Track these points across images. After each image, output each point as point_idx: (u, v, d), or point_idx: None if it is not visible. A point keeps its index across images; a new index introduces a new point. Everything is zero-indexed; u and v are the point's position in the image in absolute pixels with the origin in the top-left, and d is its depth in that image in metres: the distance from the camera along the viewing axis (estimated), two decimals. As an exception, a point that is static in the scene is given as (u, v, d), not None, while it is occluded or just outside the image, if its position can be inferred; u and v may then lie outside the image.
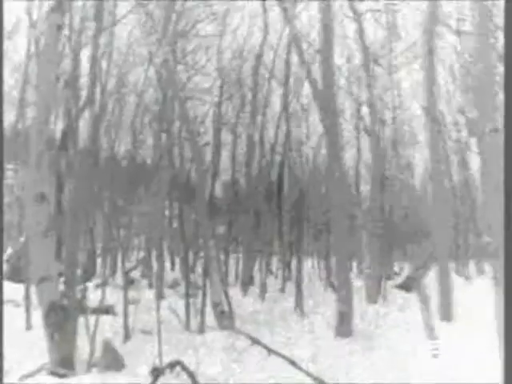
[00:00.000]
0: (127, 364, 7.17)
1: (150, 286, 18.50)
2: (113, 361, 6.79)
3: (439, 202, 13.07)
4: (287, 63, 18.78)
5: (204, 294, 11.08)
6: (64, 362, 7.41)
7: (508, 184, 4.52)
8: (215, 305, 10.91)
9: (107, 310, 12.17)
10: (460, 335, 10.33)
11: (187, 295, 11.51)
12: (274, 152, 20.31)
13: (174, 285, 18.99)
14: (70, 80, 11.31)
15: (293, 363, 6.61)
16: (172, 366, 5.94)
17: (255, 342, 6.88)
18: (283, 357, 6.74)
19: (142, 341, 9.52)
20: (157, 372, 5.63)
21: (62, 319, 7.72)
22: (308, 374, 6.45)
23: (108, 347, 7.06)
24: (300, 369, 6.51)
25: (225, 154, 23.38)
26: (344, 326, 10.40)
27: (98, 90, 15.43)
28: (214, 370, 7.17)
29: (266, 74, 20.15)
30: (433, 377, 7.99)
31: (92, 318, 10.35)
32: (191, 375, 5.93)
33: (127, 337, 9.91)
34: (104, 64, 16.70)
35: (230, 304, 11.12)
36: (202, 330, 10.63)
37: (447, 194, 13.94)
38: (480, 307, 13.51)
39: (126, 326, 10.08)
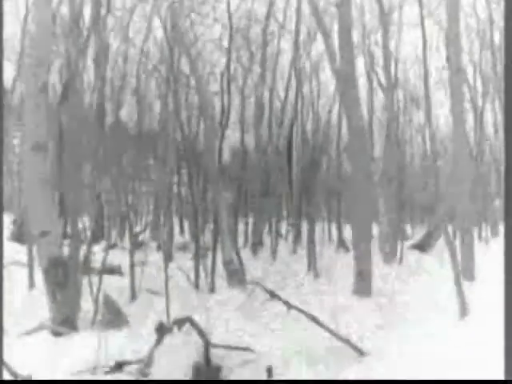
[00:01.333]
0: (132, 323, 6.49)
1: (159, 248, 17.89)
2: (115, 319, 6.11)
3: (459, 164, 12.12)
4: (298, 16, 17.60)
5: (214, 254, 10.37)
6: (65, 321, 6.81)
7: (508, 183, 4.12)
8: (226, 263, 10.21)
9: (113, 270, 11.62)
10: (484, 295, 9.63)
11: (197, 255, 10.83)
12: (284, 112, 19.28)
13: (182, 247, 18.42)
14: (70, 27, 10.42)
15: (313, 319, 5.88)
16: (180, 322, 5.21)
17: (273, 295, 6.16)
18: (304, 313, 6.01)
19: (149, 301, 8.86)
20: (163, 329, 4.89)
21: (62, 276, 7.12)
22: (329, 331, 5.74)
23: (110, 305, 6.37)
24: (321, 325, 5.79)
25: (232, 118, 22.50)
26: (363, 285, 9.68)
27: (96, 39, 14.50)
28: (225, 329, 6.49)
29: (276, 31, 19.01)
30: (456, 337, 7.34)
31: (97, 279, 9.85)
32: (201, 333, 5.22)
33: (133, 297, 9.26)
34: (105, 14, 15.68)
35: (241, 262, 10.44)
36: (212, 289, 9.97)
37: (466, 155, 12.86)
38: (499, 268, 12.81)
39: (132, 286, 9.43)
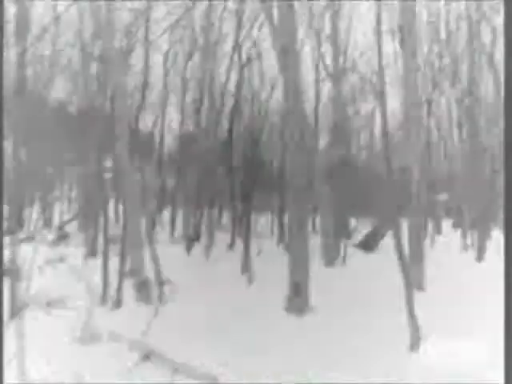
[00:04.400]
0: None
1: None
2: None
3: (410, 154, 10.41)
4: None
5: (122, 259, 8.02)
6: None
7: (508, 183, 4.12)
8: (132, 272, 7.97)
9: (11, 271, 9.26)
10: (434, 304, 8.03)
11: (105, 257, 8.48)
12: (225, 97, 17.16)
13: (114, 241, 16.01)
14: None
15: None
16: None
17: (146, 356, 4.16)
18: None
19: (31, 320, 6.66)
20: None
21: None
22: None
23: None
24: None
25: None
26: (297, 300, 7.81)
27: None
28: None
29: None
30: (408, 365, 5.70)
31: None
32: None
33: (13, 314, 6.95)
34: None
35: (157, 265, 8.13)
36: (118, 303, 7.74)
37: (417, 145, 11.06)
38: (448, 275, 11.31)
39: (13, 299, 7.13)
